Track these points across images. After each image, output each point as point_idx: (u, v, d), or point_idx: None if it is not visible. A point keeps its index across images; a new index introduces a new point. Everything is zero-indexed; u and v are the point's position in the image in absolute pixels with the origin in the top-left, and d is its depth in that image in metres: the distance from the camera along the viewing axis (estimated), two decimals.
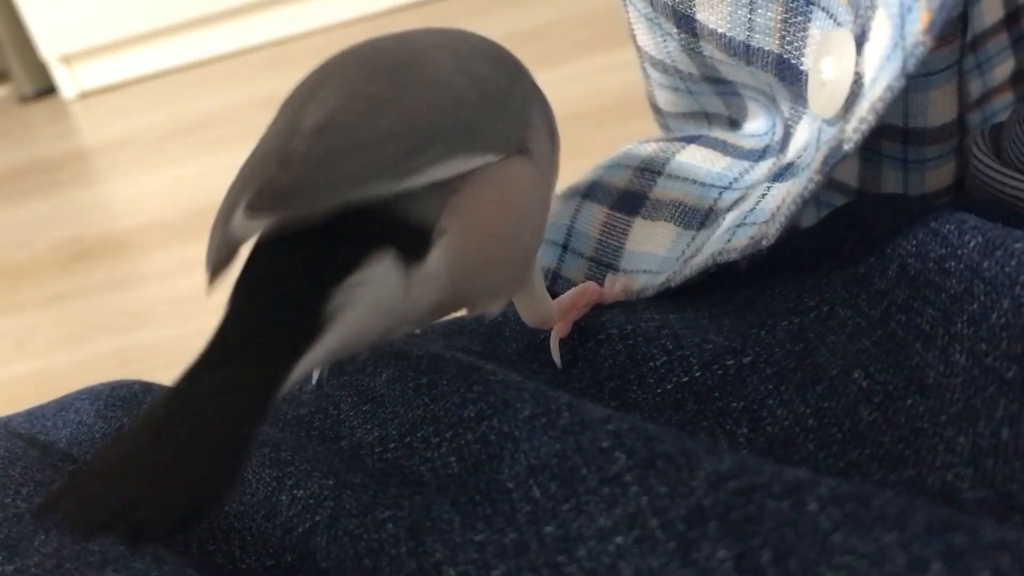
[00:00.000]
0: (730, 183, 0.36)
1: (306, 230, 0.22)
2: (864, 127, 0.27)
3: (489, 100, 0.26)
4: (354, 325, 0.22)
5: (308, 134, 0.24)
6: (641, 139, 0.41)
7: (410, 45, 0.28)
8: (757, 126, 0.38)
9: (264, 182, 0.22)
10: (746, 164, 0.36)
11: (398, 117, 0.24)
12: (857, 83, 0.29)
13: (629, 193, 0.38)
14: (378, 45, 0.28)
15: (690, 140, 0.39)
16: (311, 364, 0.21)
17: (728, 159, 0.37)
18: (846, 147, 0.28)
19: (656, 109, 0.43)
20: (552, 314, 0.30)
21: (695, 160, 0.38)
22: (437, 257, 0.24)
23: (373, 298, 0.23)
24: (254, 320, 0.22)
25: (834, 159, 0.28)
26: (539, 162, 0.28)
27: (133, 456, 0.18)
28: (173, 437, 0.18)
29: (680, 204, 0.36)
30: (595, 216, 0.38)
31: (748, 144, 0.37)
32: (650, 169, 0.38)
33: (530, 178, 0.27)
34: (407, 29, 0.30)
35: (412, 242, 0.24)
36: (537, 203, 0.28)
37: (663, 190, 0.37)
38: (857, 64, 0.29)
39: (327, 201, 0.22)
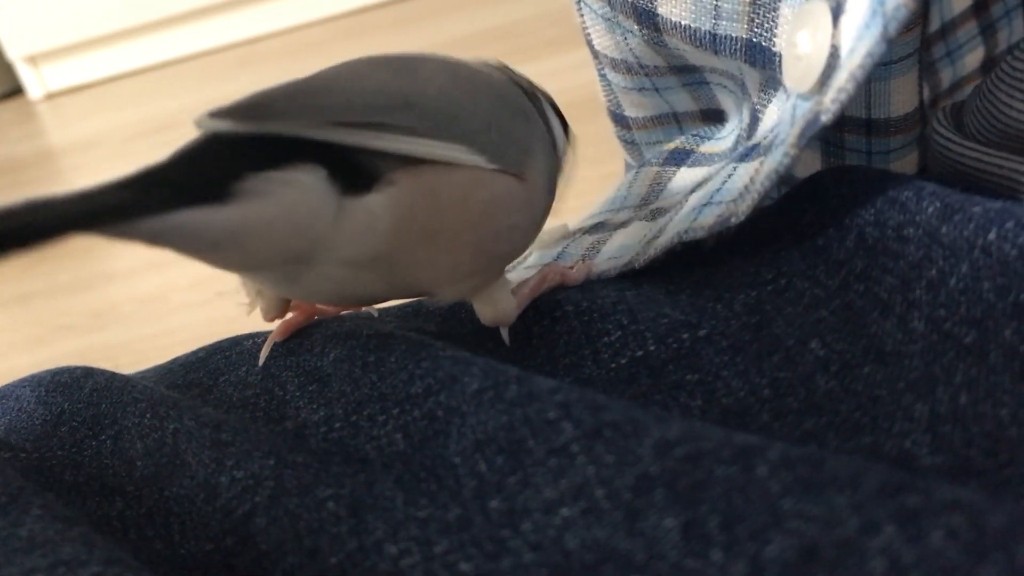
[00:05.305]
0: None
1: (256, 138, 0.23)
2: (843, 97, 0.27)
3: (485, 114, 0.27)
4: (260, 215, 0.22)
5: (291, 80, 0.25)
6: (631, 169, 0.40)
7: (413, 57, 0.29)
8: (730, 125, 0.38)
9: (236, 100, 0.23)
10: (724, 162, 0.36)
11: (383, 86, 0.25)
12: (833, 56, 0.28)
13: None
14: (383, 55, 0.29)
15: (679, 162, 0.38)
16: (198, 226, 0.22)
17: (710, 168, 0.37)
18: (824, 118, 0.27)
19: (620, 121, 0.43)
20: (512, 315, 0.30)
21: (686, 180, 0.37)
22: (377, 200, 0.24)
23: (289, 198, 0.23)
24: (165, 169, 0.22)
25: (811, 131, 0.28)
26: (530, 191, 0.28)
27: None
28: (34, 203, 0.19)
29: (662, 209, 0.36)
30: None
31: (725, 146, 0.37)
32: (648, 202, 0.38)
33: (514, 199, 0.27)
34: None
35: (352, 175, 0.24)
36: (513, 224, 0.28)
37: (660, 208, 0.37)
38: (833, 37, 0.28)
39: (285, 123, 0.23)
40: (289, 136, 0.23)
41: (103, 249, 1.24)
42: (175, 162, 0.22)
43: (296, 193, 0.23)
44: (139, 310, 1.07)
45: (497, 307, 0.29)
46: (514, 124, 0.28)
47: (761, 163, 0.30)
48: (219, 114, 0.22)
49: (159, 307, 1.06)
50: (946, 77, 0.35)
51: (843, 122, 0.33)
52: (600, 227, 0.38)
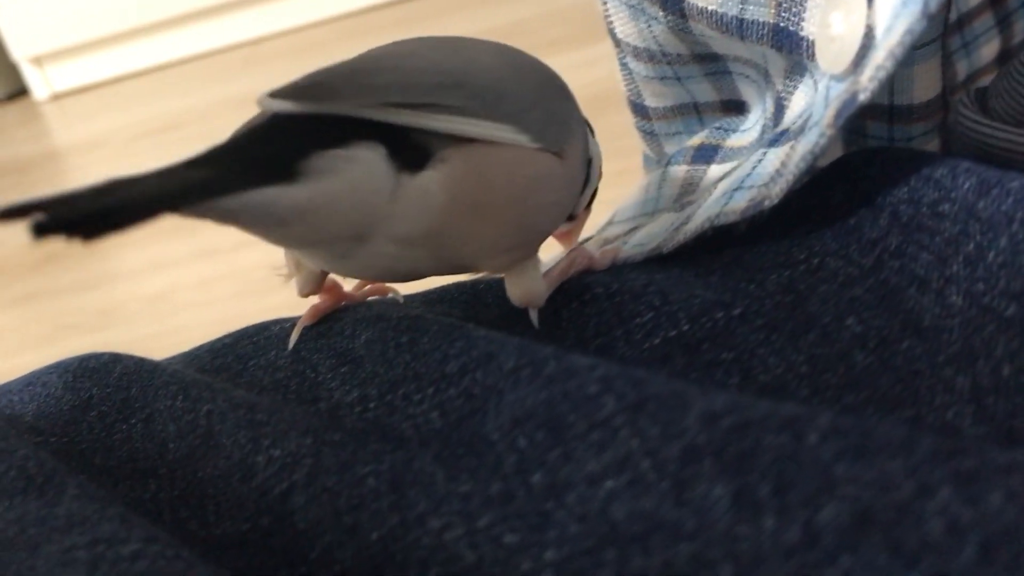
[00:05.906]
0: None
1: (315, 117, 0.23)
2: (881, 75, 0.27)
3: (531, 93, 0.28)
4: (326, 192, 0.23)
5: (345, 60, 0.26)
6: (651, 165, 0.40)
7: (459, 38, 0.30)
8: (752, 116, 0.38)
9: (295, 80, 0.24)
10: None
11: (434, 65, 0.26)
12: (868, 36, 0.28)
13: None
14: (431, 36, 0.30)
15: (707, 160, 0.38)
16: (269, 204, 0.22)
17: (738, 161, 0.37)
18: (862, 96, 0.27)
19: (640, 111, 0.43)
20: (542, 296, 0.30)
21: (716, 176, 0.37)
22: (431, 177, 0.25)
23: (353, 176, 0.23)
24: (235, 148, 0.23)
25: (848, 111, 0.28)
26: (568, 168, 0.29)
27: (84, 188, 0.19)
28: (118, 183, 0.19)
29: (689, 200, 0.36)
30: None
31: (751, 138, 0.37)
32: (687, 201, 0.38)
33: (554, 176, 0.28)
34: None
35: (407, 152, 0.24)
36: (553, 200, 0.29)
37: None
38: (868, 17, 0.28)
39: (344, 103, 0.23)
40: (348, 116, 0.23)
41: (108, 248, 1.24)
42: (243, 141, 0.23)
43: (360, 170, 0.23)
44: (145, 309, 1.07)
45: (529, 287, 0.29)
46: (557, 103, 0.29)
47: (792, 146, 0.30)
48: (280, 94, 0.23)
49: (165, 306, 1.06)
50: (962, 69, 0.35)
51: (865, 109, 0.33)
52: (634, 230, 0.38)
